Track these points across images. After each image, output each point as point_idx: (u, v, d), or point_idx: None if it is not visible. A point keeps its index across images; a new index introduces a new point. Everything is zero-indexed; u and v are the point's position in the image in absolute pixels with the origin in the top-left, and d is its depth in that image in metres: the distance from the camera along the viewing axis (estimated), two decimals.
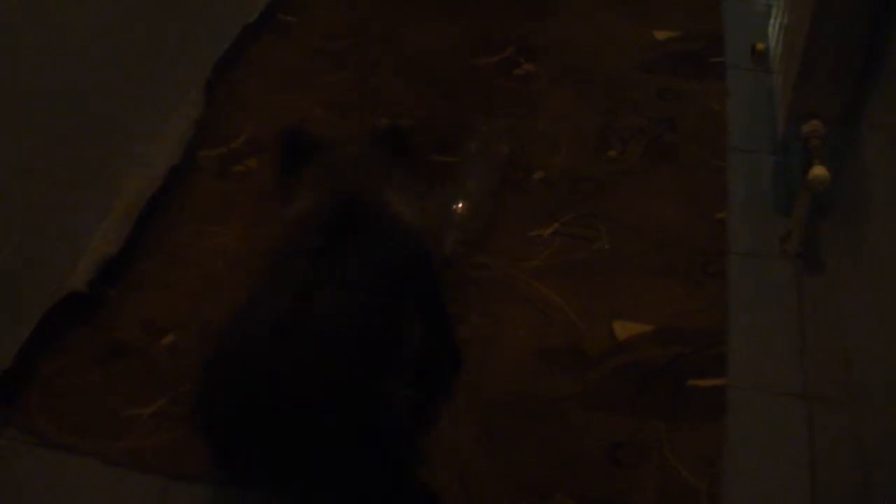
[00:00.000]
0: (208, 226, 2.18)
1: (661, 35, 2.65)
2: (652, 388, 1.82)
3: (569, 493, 1.67)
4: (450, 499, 1.67)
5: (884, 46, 1.81)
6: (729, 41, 2.64)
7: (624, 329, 1.92)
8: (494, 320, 1.95)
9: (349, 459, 1.43)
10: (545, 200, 2.20)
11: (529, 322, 1.95)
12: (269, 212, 2.01)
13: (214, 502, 1.71)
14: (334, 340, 1.42)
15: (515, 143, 2.32)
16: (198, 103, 2.40)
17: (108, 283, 2.05)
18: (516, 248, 2.10)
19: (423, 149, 2.31)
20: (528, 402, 1.81)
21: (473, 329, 1.94)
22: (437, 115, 2.44)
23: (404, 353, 1.58)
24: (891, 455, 1.55)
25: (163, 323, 1.98)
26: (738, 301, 1.98)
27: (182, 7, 2.34)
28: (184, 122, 2.35)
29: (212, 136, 2.39)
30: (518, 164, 2.28)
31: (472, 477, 1.70)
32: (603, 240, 2.10)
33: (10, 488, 1.77)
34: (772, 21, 2.34)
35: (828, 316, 1.93)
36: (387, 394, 1.49)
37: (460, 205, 2.12)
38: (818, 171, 1.91)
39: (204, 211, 2.22)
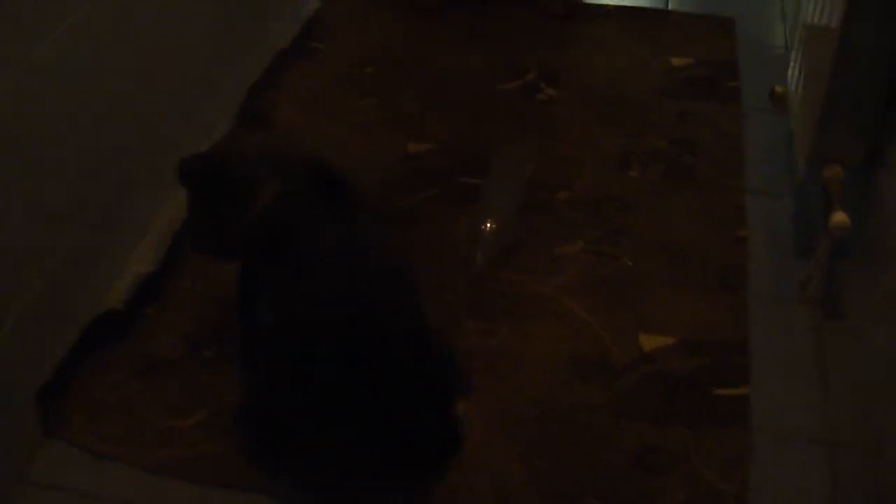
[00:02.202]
0: None
1: (677, 61, 2.73)
2: (677, 397, 1.88)
3: (599, 497, 1.72)
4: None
5: None
6: (747, 83, 2.66)
7: (649, 341, 1.98)
8: (523, 334, 2.01)
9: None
10: (570, 219, 2.27)
11: (557, 335, 2.01)
12: None
13: None
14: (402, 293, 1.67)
15: (539, 165, 2.39)
16: (233, 126, 2.47)
17: (146, 301, 2.11)
18: (543, 266, 2.16)
19: (449, 172, 2.38)
20: (557, 410, 1.87)
21: (503, 342, 2.00)
22: (462, 138, 2.51)
23: None
24: None
25: (201, 338, 2.03)
26: (759, 346, 1.98)
27: (220, 33, 2.43)
28: None
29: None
30: (542, 185, 2.35)
31: (505, 483, 1.76)
32: (626, 257, 2.17)
33: (54, 497, 1.81)
34: (791, 64, 2.37)
35: (848, 361, 1.93)
36: None
37: (487, 224, 2.19)
38: (839, 216, 1.91)
39: None
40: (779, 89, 2.40)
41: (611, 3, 3.05)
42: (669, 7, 3.04)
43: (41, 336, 1.88)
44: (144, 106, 2.13)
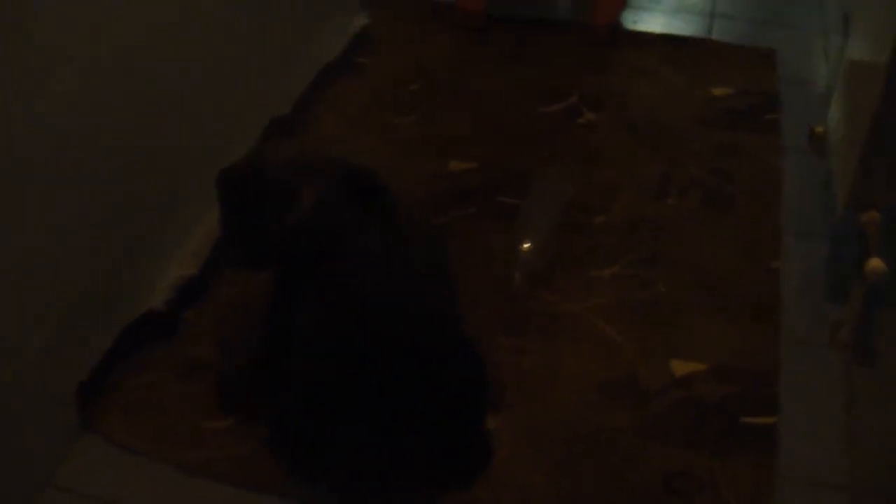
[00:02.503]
0: None
1: (717, 91, 2.75)
2: (706, 423, 1.90)
3: None
4: None
5: None
6: (787, 123, 2.64)
7: (680, 366, 2.00)
8: (555, 353, 2.04)
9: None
10: (606, 243, 2.29)
11: (589, 356, 2.03)
12: None
13: None
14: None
15: (578, 188, 2.42)
16: (261, 137, 2.53)
17: (186, 304, 2.15)
18: (577, 287, 2.19)
19: (488, 191, 2.42)
20: (586, 431, 1.89)
21: (534, 361, 2.02)
22: (503, 159, 2.55)
23: None
24: None
25: (236, 343, 2.07)
26: (787, 389, 1.97)
27: (267, 46, 2.48)
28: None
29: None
30: (580, 208, 2.38)
31: (530, 498, 1.78)
32: (661, 282, 2.19)
33: (89, 491, 1.85)
34: (832, 105, 2.38)
35: (877, 408, 1.92)
36: None
37: (526, 244, 2.22)
38: (875, 263, 1.91)
39: None
40: (818, 129, 2.41)
41: (654, 30, 3.09)
42: (712, 36, 3.06)
43: (84, 334, 1.93)
44: (191, 114, 2.18)
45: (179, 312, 2.14)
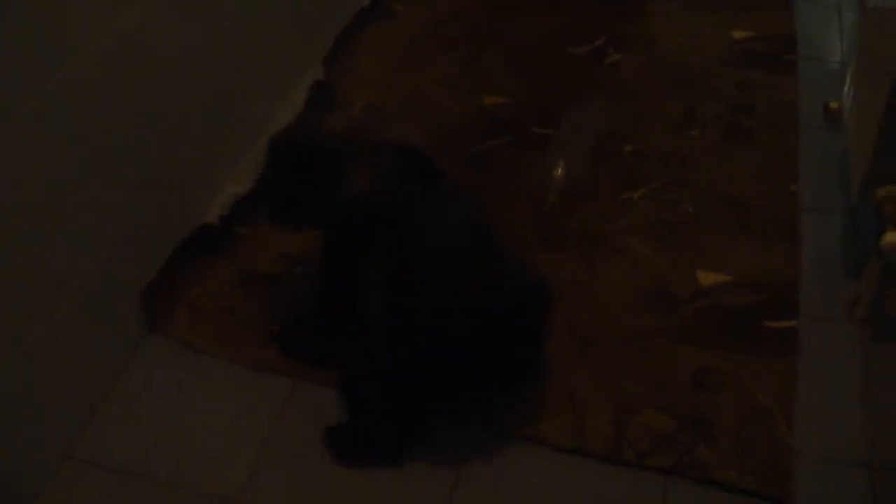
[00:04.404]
0: None
1: (738, 35, 2.88)
2: (731, 327, 2.04)
3: (658, 409, 1.89)
4: (561, 412, 1.90)
5: None
6: (802, 100, 2.64)
7: (706, 277, 2.14)
8: (590, 266, 2.18)
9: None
10: (634, 169, 2.43)
11: (621, 268, 2.17)
12: None
13: (334, 402, 1.91)
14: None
15: (606, 119, 2.56)
16: (318, 74, 2.66)
17: (239, 220, 2.28)
18: (609, 208, 2.32)
19: (523, 122, 2.56)
20: (621, 333, 2.03)
21: (572, 273, 2.16)
22: (536, 94, 2.68)
23: None
24: None
25: (293, 255, 2.20)
26: (804, 366, 1.97)
27: None
28: (306, 89, 2.61)
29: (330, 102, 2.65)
30: (609, 138, 2.51)
31: (575, 391, 1.93)
32: (687, 203, 2.32)
33: (154, 387, 2.01)
34: (847, 80, 2.44)
35: (893, 384, 1.94)
36: None
37: (559, 170, 2.36)
38: (891, 237, 1.91)
39: None
40: (834, 104, 2.45)
41: None
42: None
43: (149, 245, 2.07)
44: (242, 51, 2.35)
45: (233, 228, 2.27)
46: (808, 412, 1.90)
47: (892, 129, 1.92)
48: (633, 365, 1.98)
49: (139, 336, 2.07)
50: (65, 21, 1.73)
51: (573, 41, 2.88)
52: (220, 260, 2.21)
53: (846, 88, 2.45)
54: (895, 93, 1.88)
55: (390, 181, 1.75)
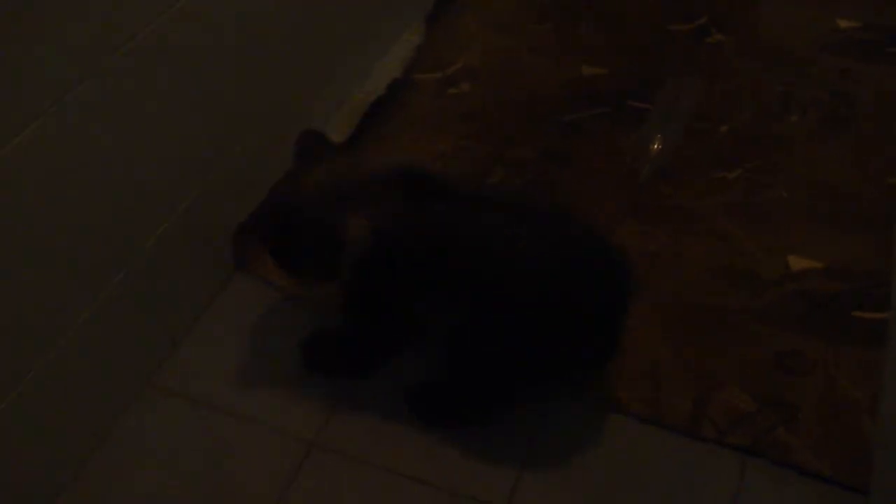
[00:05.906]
0: (423, 132, 2.46)
1: (843, 24, 2.83)
2: (819, 313, 2.01)
3: (741, 387, 1.88)
4: (642, 383, 1.90)
5: None
6: None
7: (797, 262, 2.12)
8: (679, 241, 2.17)
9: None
10: (729, 149, 2.40)
11: (710, 246, 2.16)
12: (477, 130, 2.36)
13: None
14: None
15: (703, 98, 2.53)
16: (419, 34, 2.68)
17: None
18: (701, 186, 2.30)
19: (620, 95, 2.55)
20: (707, 309, 2.02)
21: (661, 246, 2.15)
22: (634, 67, 2.67)
23: None
24: None
25: None
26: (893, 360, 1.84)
27: None
28: (406, 48, 2.63)
29: (430, 62, 2.66)
30: (706, 117, 2.49)
31: (659, 367, 1.93)
32: (781, 187, 2.30)
33: (239, 321, 2.05)
34: None
35: None
36: None
37: (655, 144, 2.35)
38: None
39: (420, 119, 2.51)
40: None
41: None
42: None
43: (238, 192, 2.10)
44: (345, 9, 2.38)
45: None
46: (893, 406, 1.84)
47: None
48: (716, 342, 1.97)
49: (226, 275, 2.11)
50: None
51: (674, 18, 2.85)
52: None
53: None
54: None
55: (402, 205, 1.71)
